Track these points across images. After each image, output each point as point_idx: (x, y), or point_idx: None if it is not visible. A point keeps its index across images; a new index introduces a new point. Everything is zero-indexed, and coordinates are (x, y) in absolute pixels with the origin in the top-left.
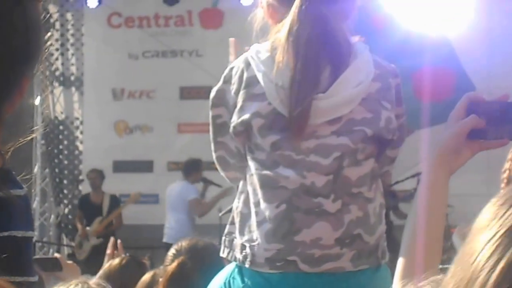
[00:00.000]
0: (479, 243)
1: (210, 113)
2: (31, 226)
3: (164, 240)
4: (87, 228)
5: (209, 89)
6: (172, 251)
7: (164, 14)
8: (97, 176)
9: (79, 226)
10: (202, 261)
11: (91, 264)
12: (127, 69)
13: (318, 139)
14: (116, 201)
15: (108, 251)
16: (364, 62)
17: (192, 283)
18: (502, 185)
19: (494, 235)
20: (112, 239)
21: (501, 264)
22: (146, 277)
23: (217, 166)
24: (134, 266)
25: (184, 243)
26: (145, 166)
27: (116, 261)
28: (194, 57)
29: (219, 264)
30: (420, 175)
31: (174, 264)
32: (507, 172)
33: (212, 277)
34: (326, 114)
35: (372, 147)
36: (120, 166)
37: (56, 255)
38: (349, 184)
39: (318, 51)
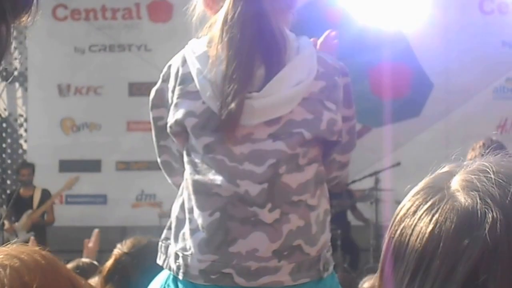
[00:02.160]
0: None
1: (151, 115)
2: None
3: None
4: (15, 224)
5: None
6: (116, 248)
7: (111, 6)
8: (30, 171)
9: (5, 223)
10: (143, 258)
11: None
12: (73, 63)
13: (253, 143)
14: (48, 195)
15: (90, 244)
16: (306, 58)
17: (131, 280)
18: None
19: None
20: (96, 230)
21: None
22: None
23: (163, 171)
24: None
25: (128, 241)
26: (93, 166)
27: (70, 265)
28: (143, 51)
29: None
30: (378, 173)
31: (111, 260)
32: None
33: (154, 276)
34: (262, 115)
35: (315, 150)
36: (67, 166)
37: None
38: (289, 192)
39: (253, 45)
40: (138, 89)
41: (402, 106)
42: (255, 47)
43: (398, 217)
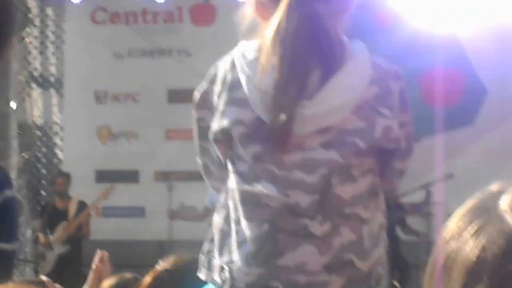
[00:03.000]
0: None
1: (194, 115)
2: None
3: None
4: (50, 237)
5: None
6: (157, 265)
7: (152, 9)
8: (65, 182)
9: (39, 235)
10: (183, 276)
11: (57, 277)
12: (112, 69)
13: (304, 151)
14: (84, 207)
15: (94, 265)
16: (360, 64)
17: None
18: None
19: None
20: (99, 252)
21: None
22: None
23: (202, 173)
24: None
25: (171, 257)
26: (130, 176)
27: (109, 282)
28: (184, 56)
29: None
30: (430, 186)
31: (150, 276)
32: None
33: None
34: (314, 123)
35: (370, 160)
36: (103, 176)
37: (43, 278)
38: (341, 204)
39: (307, 51)
40: (178, 96)
41: (455, 114)
42: (309, 53)
43: (444, 240)
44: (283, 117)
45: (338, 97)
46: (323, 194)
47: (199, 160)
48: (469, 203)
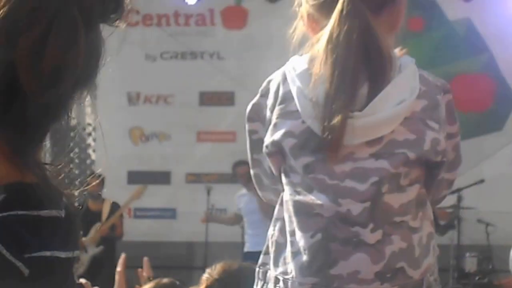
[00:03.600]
0: None
1: (246, 127)
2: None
3: None
4: (83, 238)
5: (231, 94)
6: (205, 274)
7: (184, 12)
8: (99, 183)
9: None
10: (233, 283)
11: (91, 278)
12: (144, 71)
13: (355, 161)
14: (117, 208)
15: (119, 268)
16: (409, 77)
17: None
18: None
19: None
20: (123, 255)
21: None
22: None
23: (255, 184)
24: None
25: (218, 266)
26: (162, 178)
27: (149, 286)
28: (216, 59)
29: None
30: (461, 191)
31: (202, 286)
32: None
33: None
34: (364, 134)
35: (417, 171)
36: (135, 177)
37: (82, 280)
38: (390, 212)
39: (358, 63)
40: (209, 98)
41: (484, 119)
42: (360, 66)
43: None
44: (333, 127)
45: (387, 109)
46: (374, 202)
47: (251, 171)
48: None
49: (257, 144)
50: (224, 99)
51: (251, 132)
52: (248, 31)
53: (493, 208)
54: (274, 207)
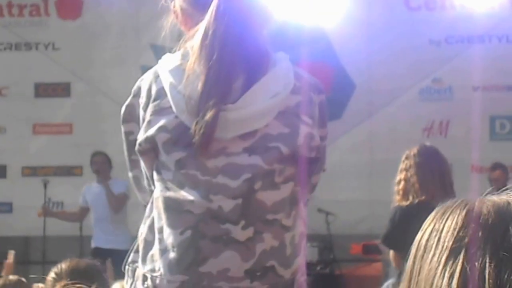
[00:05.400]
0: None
1: (122, 129)
2: None
3: None
4: None
5: (67, 85)
6: (51, 275)
7: (18, 2)
8: None
9: None
10: (86, 283)
11: None
12: None
13: (228, 156)
14: None
15: (9, 261)
16: (283, 71)
17: None
18: (397, 196)
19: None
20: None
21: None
22: None
23: (133, 186)
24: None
25: (64, 265)
26: None
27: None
28: (51, 50)
29: (104, 284)
30: None
31: None
32: (402, 183)
33: None
34: (237, 128)
35: (292, 168)
36: None
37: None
38: (263, 210)
39: (233, 57)
40: (45, 90)
41: None
42: (236, 59)
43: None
44: (206, 121)
45: (261, 102)
46: (246, 199)
47: (130, 173)
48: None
49: (134, 145)
50: (60, 90)
51: (127, 134)
52: (84, 21)
53: (333, 197)
54: (122, 203)
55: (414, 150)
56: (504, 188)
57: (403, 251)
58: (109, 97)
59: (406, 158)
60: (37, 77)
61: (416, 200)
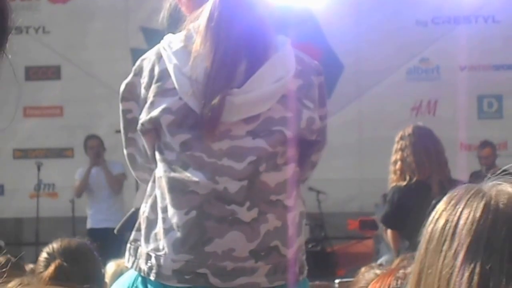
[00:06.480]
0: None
1: (120, 107)
2: None
3: None
4: None
5: (57, 68)
6: (43, 255)
7: None
8: None
9: None
10: (78, 261)
11: None
12: None
13: (232, 140)
14: None
15: None
16: (285, 56)
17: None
18: (394, 176)
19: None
20: None
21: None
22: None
23: (128, 164)
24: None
25: (55, 245)
26: None
27: None
28: (41, 34)
29: (96, 263)
30: None
31: (51, 268)
32: (399, 163)
33: (92, 277)
34: (241, 112)
35: (293, 150)
36: None
37: None
38: (267, 191)
39: (238, 44)
40: (35, 73)
41: None
42: (240, 45)
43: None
44: (213, 105)
45: (265, 87)
46: (251, 181)
47: (125, 150)
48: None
49: (131, 123)
50: (50, 73)
51: (125, 112)
52: (74, 4)
53: (323, 176)
54: (121, 183)
55: (409, 130)
56: (502, 169)
57: (402, 230)
58: (99, 79)
59: (401, 138)
60: (27, 60)
61: (414, 179)
